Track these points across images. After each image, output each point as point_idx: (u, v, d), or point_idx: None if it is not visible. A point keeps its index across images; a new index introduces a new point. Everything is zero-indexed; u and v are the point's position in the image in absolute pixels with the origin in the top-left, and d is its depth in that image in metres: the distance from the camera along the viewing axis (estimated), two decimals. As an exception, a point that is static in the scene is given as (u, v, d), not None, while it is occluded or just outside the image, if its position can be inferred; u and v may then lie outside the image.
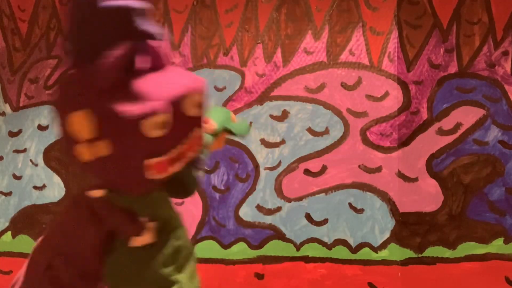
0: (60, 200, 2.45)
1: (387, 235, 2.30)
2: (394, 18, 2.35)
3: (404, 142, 2.33)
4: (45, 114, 2.49)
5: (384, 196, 2.31)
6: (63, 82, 1.23)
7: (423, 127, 2.33)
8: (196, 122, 1.06)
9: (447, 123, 2.33)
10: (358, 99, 2.35)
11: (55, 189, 2.46)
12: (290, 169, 2.37)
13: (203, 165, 1.22)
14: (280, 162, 2.38)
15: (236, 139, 2.02)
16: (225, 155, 2.40)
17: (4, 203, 2.49)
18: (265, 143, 2.39)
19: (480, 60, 2.34)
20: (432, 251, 2.30)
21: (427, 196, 2.31)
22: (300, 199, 2.36)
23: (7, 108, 2.52)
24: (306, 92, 2.37)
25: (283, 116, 2.40)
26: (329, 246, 2.32)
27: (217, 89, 2.42)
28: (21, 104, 2.52)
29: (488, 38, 2.35)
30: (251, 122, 2.40)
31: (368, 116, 2.34)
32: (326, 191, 2.34)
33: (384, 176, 2.32)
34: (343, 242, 2.32)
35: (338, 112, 2.35)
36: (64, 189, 2.45)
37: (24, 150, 2.50)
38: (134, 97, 0.98)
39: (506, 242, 2.29)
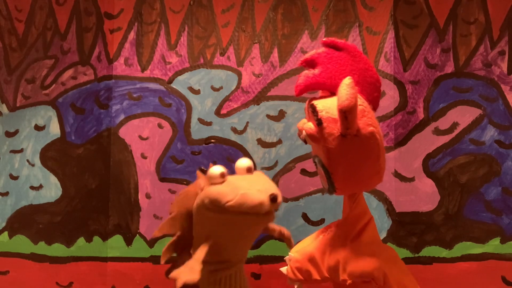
0: (56, 200, 2.45)
1: (383, 235, 2.30)
2: (391, 18, 2.36)
3: (401, 142, 2.33)
4: (42, 114, 2.49)
5: (380, 196, 2.31)
6: None
7: (419, 126, 2.34)
8: None
9: (443, 122, 2.34)
10: (355, 99, 2.35)
11: (52, 189, 2.46)
12: (286, 169, 2.37)
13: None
14: (276, 162, 2.38)
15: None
16: (221, 154, 2.40)
17: (1, 203, 2.49)
18: (261, 143, 2.39)
19: (476, 59, 2.34)
20: (429, 251, 2.30)
21: (423, 196, 2.31)
22: (296, 199, 2.36)
23: (4, 108, 2.52)
24: (302, 92, 2.37)
25: (280, 116, 2.40)
26: (325, 246, 2.32)
27: (214, 89, 2.42)
28: (18, 104, 2.52)
29: (484, 38, 2.35)
30: (247, 122, 2.40)
31: (364, 116, 2.34)
32: (323, 191, 2.34)
33: (380, 176, 2.31)
34: (339, 242, 2.32)
35: (334, 112, 2.35)
36: (61, 189, 2.45)
37: (21, 150, 2.50)
38: None
39: (502, 241, 2.29)
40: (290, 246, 1.67)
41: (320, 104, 1.43)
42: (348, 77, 1.37)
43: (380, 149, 1.42)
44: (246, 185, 1.41)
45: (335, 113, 1.37)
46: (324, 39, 1.50)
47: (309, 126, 1.44)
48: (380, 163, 1.44)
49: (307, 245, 1.56)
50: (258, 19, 2.42)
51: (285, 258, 1.57)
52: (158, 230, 1.56)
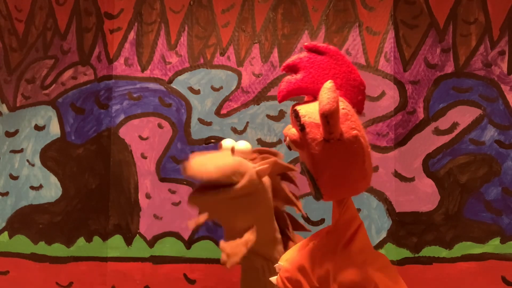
0: (56, 200, 2.45)
1: (383, 235, 2.30)
2: (391, 18, 2.36)
3: (401, 142, 2.33)
4: (42, 114, 2.49)
5: (380, 196, 2.31)
6: None
7: (419, 126, 2.34)
8: None
9: (443, 122, 2.34)
10: (355, 99, 2.35)
11: (51, 189, 2.46)
12: (286, 169, 2.37)
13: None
14: (276, 162, 2.38)
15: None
16: (221, 155, 2.39)
17: (1, 203, 2.49)
18: (262, 143, 2.39)
19: (476, 59, 2.34)
20: (429, 251, 2.30)
21: (423, 196, 2.31)
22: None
23: (4, 108, 2.52)
24: (302, 92, 2.37)
25: (280, 116, 2.40)
26: (325, 246, 2.32)
27: (214, 89, 2.42)
28: (18, 104, 2.52)
29: (484, 38, 2.35)
30: (247, 122, 2.40)
31: (364, 116, 2.32)
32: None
33: (380, 176, 2.32)
34: (339, 242, 2.32)
35: (334, 112, 2.35)
36: (61, 189, 2.45)
37: (21, 150, 2.50)
38: None
39: (502, 241, 2.29)
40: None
41: (303, 109, 1.42)
42: (329, 81, 1.35)
43: (365, 153, 1.40)
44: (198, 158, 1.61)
45: (318, 118, 1.36)
46: (305, 44, 1.49)
47: (293, 132, 1.43)
48: (366, 167, 1.42)
49: (297, 253, 1.55)
50: (258, 19, 2.42)
51: (274, 266, 1.56)
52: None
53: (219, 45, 2.43)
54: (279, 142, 2.38)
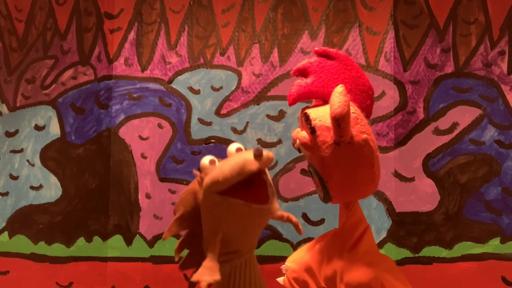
0: (56, 200, 2.45)
1: (383, 235, 2.30)
2: (391, 18, 2.36)
3: (401, 142, 2.33)
4: (42, 114, 2.49)
5: (380, 196, 2.31)
6: None
7: (419, 126, 2.34)
8: None
9: (443, 122, 2.34)
10: (355, 99, 2.35)
11: (51, 189, 2.46)
12: (286, 169, 2.37)
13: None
14: (277, 162, 2.38)
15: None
16: (221, 155, 2.38)
17: (1, 203, 2.49)
18: (261, 143, 2.39)
19: (476, 59, 2.34)
20: (429, 251, 2.30)
21: (423, 196, 2.31)
22: (297, 199, 2.37)
23: (4, 108, 2.52)
24: (302, 92, 2.37)
25: (280, 116, 2.40)
26: (325, 246, 2.32)
27: (214, 89, 2.42)
28: (18, 104, 2.52)
29: (484, 38, 2.35)
30: (247, 122, 2.40)
31: (364, 116, 2.34)
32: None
33: (380, 176, 2.31)
34: (339, 242, 2.32)
35: (334, 112, 2.35)
36: (61, 189, 2.45)
37: (21, 150, 2.50)
38: None
39: (502, 241, 2.29)
40: (298, 231, 1.67)
41: (313, 112, 1.44)
42: (340, 85, 1.38)
43: (374, 157, 1.42)
44: (232, 158, 1.42)
45: (328, 121, 1.38)
46: (316, 49, 1.52)
47: (303, 135, 1.45)
48: (375, 170, 1.45)
49: (304, 254, 1.56)
50: (258, 19, 2.42)
51: (281, 267, 1.57)
52: (167, 231, 1.58)
53: (219, 45, 2.43)
54: (279, 142, 2.39)
